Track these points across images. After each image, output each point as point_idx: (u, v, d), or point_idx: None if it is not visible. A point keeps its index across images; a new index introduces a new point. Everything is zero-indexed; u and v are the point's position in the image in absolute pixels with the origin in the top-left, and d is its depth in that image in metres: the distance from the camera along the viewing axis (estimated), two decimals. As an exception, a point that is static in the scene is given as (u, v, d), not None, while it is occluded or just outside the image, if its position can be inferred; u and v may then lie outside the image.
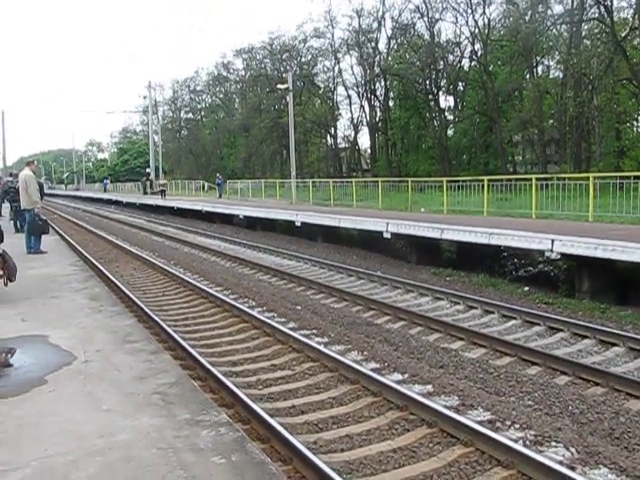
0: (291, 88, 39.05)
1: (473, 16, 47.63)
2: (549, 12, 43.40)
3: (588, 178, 18.82)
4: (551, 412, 7.09)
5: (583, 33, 40.83)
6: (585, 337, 10.21)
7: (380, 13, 57.07)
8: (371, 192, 30.75)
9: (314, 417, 6.97)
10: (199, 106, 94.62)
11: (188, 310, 12.76)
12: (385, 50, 58.95)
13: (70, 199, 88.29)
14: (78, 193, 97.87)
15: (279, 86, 42.24)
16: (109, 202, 66.27)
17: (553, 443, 6.17)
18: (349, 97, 65.31)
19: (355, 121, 65.20)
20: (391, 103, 61.85)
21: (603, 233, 13.93)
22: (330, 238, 24.48)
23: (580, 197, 18.96)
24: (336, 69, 65.30)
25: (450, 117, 55.38)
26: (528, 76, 47.81)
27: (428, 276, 16.88)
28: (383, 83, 59.31)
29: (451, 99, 56.27)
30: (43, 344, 7.59)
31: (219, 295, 13.36)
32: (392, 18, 56.52)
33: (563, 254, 13.60)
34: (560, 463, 5.58)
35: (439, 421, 6.48)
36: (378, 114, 62.07)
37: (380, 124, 61.43)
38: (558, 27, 43.46)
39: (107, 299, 10.70)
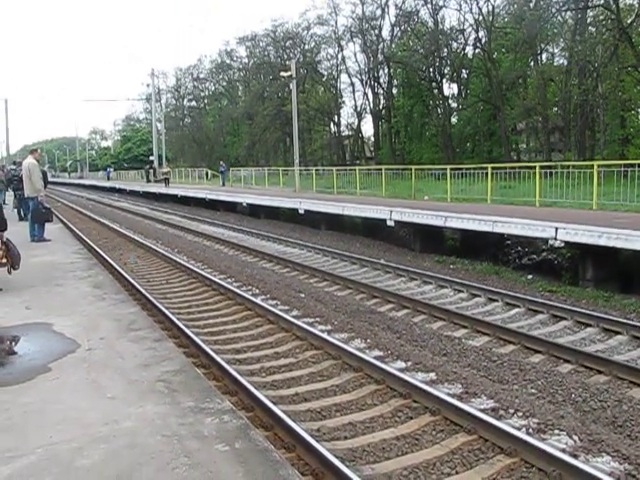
0: (294, 76, 38.94)
1: (477, 3, 47.48)
2: (553, -1, 43.23)
3: (592, 166, 18.76)
4: (554, 400, 7.10)
5: (588, 20, 40.62)
6: (588, 325, 10.20)
7: (384, 0, 56.92)
8: (374, 180, 30.70)
9: (317, 405, 6.99)
10: (202, 94, 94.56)
11: (192, 298, 12.77)
12: (389, 37, 58.86)
13: (74, 187, 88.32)
14: (81, 181, 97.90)
15: (282, 74, 42.15)
16: (112, 190, 66.29)
17: (556, 431, 6.17)
18: (352, 85, 65.32)
19: (358, 109, 65.20)
20: (395, 91, 61.75)
21: (607, 221, 13.90)
22: (333, 226, 24.46)
23: (584, 185, 18.89)
24: (339, 56, 65.33)
25: (454, 105, 55.31)
26: (532, 63, 47.65)
27: (432, 264, 16.87)
28: (387, 70, 59.15)
29: (455, 87, 56.28)
30: (47, 332, 7.62)
31: (223, 283, 13.37)
32: (396, 5, 56.45)
33: (567, 242, 13.58)
34: (563, 451, 5.59)
35: (442, 409, 6.49)
36: (382, 102, 61.96)
37: (383, 112, 61.32)
38: (563, 14, 43.30)
39: (111, 287, 10.74)
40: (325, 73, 69.25)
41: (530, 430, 6.18)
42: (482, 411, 6.38)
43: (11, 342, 7.38)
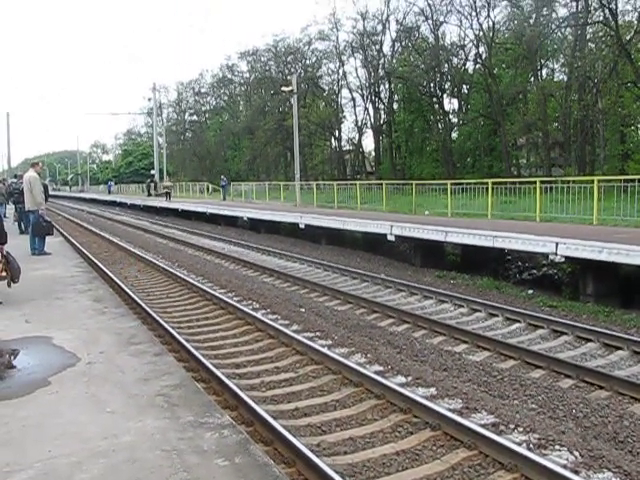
0: (295, 90, 39.13)
1: (477, 19, 47.71)
2: (554, 15, 43.52)
3: (593, 181, 18.79)
4: (555, 415, 7.08)
5: (588, 36, 40.82)
6: (589, 340, 10.18)
7: (385, 16, 57.29)
8: (375, 195, 30.76)
9: (317, 419, 6.97)
10: (203, 108, 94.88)
11: (192, 312, 12.76)
12: (389, 53, 59.11)
13: (74, 201, 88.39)
14: (82, 195, 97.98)
15: (283, 88, 42.35)
16: (113, 204, 66.36)
17: (557, 446, 6.15)
18: (353, 100, 65.49)
19: (359, 124, 65.34)
20: (395, 106, 61.95)
21: (607, 236, 13.91)
22: (334, 240, 24.48)
23: (584, 200, 18.92)
24: (340, 71, 65.56)
25: (454, 120, 55.47)
26: (532, 79, 47.84)
27: (432, 279, 16.87)
28: (387, 86, 59.39)
29: (455, 102, 56.47)
30: (47, 345, 7.61)
31: (223, 297, 13.36)
32: (397, 21, 56.71)
33: (567, 257, 13.58)
34: (564, 467, 5.57)
35: (442, 424, 6.47)
36: (382, 117, 62.14)
37: (384, 127, 61.49)
38: (563, 30, 43.55)
39: (111, 301, 10.73)
40: (326, 88, 69.53)
41: (531, 445, 6.16)
42: (482, 426, 6.36)
43: (10, 356, 7.36)
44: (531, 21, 43.16)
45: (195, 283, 15.21)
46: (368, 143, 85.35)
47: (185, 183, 67.18)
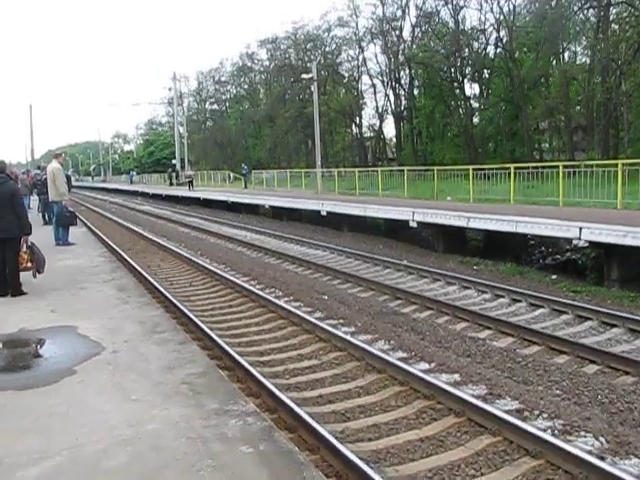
0: (315, 78, 39.02)
1: (498, 2, 47.10)
2: (576, -4, 42.81)
3: (617, 165, 18.55)
4: (580, 401, 7.03)
5: (611, 17, 40.15)
6: (614, 326, 10.09)
7: (404, 1, 56.72)
8: (397, 181, 30.64)
9: (341, 406, 6.98)
10: (224, 97, 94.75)
11: (215, 300, 12.81)
12: (409, 38, 58.54)
13: (97, 191, 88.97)
14: (105, 185, 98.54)
15: (303, 76, 42.23)
16: (135, 194, 66.67)
17: (582, 433, 6.11)
18: (374, 86, 65.07)
19: (380, 110, 64.97)
20: (416, 91, 61.48)
21: (632, 220, 13.74)
22: (356, 227, 24.46)
23: (608, 184, 18.69)
24: (360, 58, 65.08)
25: (475, 105, 54.92)
26: (554, 62, 47.23)
27: (455, 265, 16.80)
28: (408, 71, 58.93)
29: (476, 87, 55.84)
30: (72, 335, 7.69)
31: (246, 285, 13.40)
32: (416, 6, 56.13)
33: (591, 242, 13.47)
34: (589, 453, 5.53)
35: (466, 410, 6.46)
36: (403, 103, 61.72)
37: (405, 113, 61.11)
38: (585, 12, 42.77)
39: (135, 290, 10.81)
40: (346, 75, 69.12)
41: (556, 432, 6.13)
42: (507, 412, 6.34)
43: (37, 345, 7.46)
44: (552, 3, 42.55)
45: (217, 271, 15.26)
46: (389, 129, 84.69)
47: (206, 172, 67.27)
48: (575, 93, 44.21)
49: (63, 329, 7.98)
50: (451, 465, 5.56)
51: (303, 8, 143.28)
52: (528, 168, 23.95)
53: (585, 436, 6.04)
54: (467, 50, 51.23)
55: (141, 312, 8.88)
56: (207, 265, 16.40)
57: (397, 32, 58.58)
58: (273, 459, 4.29)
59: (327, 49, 69.35)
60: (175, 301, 11.59)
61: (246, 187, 48.15)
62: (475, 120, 53.65)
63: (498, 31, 48.39)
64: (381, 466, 5.55)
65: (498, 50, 50.15)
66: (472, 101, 54.66)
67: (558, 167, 20.61)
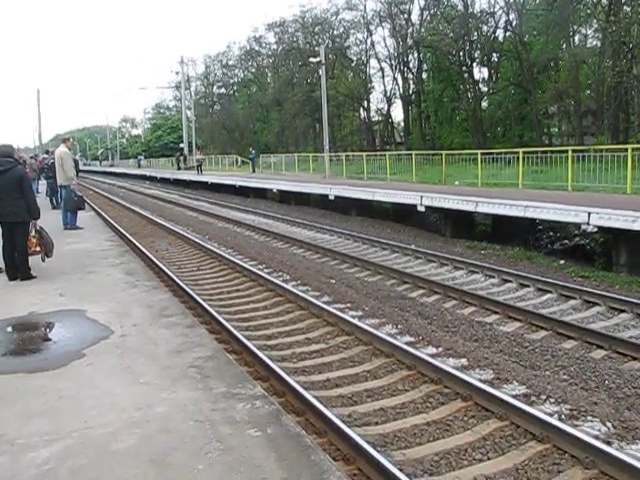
0: (323, 61, 38.85)
1: (508, -15, 46.65)
2: (587, -22, 42.35)
3: (626, 149, 18.45)
4: (587, 386, 7.04)
5: (623, -1, 39.73)
6: (622, 311, 10.08)
7: (413, -16, 56.26)
8: (405, 165, 30.59)
9: (348, 390, 7.01)
10: (231, 81, 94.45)
11: (223, 284, 12.85)
12: (418, 21, 58.14)
13: (105, 175, 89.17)
14: (112, 169, 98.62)
15: (311, 59, 42.08)
16: (143, 178, 66.78)
17: (589, 417, 6.12)
18: (382, 70, 64.74)
19: (388, 94, 64.65)
20: (424, 75, 61.15)
21: (641, 205, 13.69)
22: (364, 211, 24.46)
23: (618, 169, 18.60)
24: (368, 41, 64.70)
25: (484, 89, 54.58)
26: (564, 46, 46.82)
27: (462, 249, 16.79)
28: (416, 55, 58.59)
29: (485, 70, 55.45)
30: (81, 318, 7.72)
31: (253, 269, 13.43)
32: (425, -11, 55.71)
33: (600, 227, 13.43)
34: (596, 438, 5.54)
35: (474, 395, 6.48)
36: (411, 86, 61.41)
37: (413, 96, 60.83)
38: (596, -6, 42.39)
39: (143, 274, 10.84)
40: (354, 58, 68.76)
41: (562, 416, 6.14)
42: (514, 397, 6.36)
43: (46, 328, 7.50)
44: (563, -15, 42.15)
45: (225, 255, 15.30)
46: (397, 113, 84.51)
47: (214, 156, 67.24)
48: (585, 77, 43.86)
49: (72, 313, 8.02)
50: (458, 449, 5.59)
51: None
52: (537, 153, 23.84)
53: (592, 421, 6.06)
54: (476, 33, 50.83)
55: (149, 296, 8.91)
56: (215, 249, 16.43)
57: (405, 15, 58.21)
58: (281, 442, 4.31)
59: (335, 32, 68.96)
60: (183, 285, 11.64)
61: (254, 171, 48.11)
62: (484, 104, 53.37)
63: (507, 14, 47.98)
64: (388, 450, 5.58)
65: (507, 33, 49.75)
66: (481, 85, 54.34)
67: (567, 152, 20.52)
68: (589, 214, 13.53)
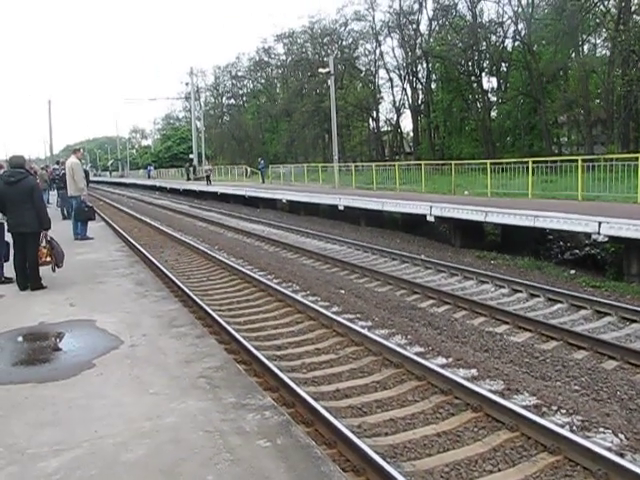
0: (332, 72, 38.93)
1: (516, -5, 46.65)
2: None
3: (637, 158, 18.37)
4: (599, 397, 6.99)
5: (632, 8, 39.62)
6: (634, 321, 10.03)
7: (421, -6, 56.38)
8: (414, 175, 30.56)
9: (358, 401, 6.99)
10: (241, 91, 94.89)
11: (232, 295, 12.85)
12: (427, 32, 58.33)
13: (115, 186, 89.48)
14: (122, 180, 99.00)
15: (320, 70, 42.16)
16: (153, 188, 66.99)
17: (601, 429, 6.08)
18: (391, 80, 64.88)
19: (397, 104, 64.74)
20: (433, 85, 61.26)
21: (653, 215, 13.63)
22: (373, 222, 24.45)
23: (628, 178, 18.53)
24: (377, 52, 64.89)
25: (493, 99, 54.63)
26: (573, 55, 46.73)
27: (472, 259, 16.75)
28: (425, 65, 58.71)
29: (494, 80, 55.46)
30: (91, 328, 7.74)
31: (263, 279, 13.43)
32: (433, -1, 55.83)
33: (611, 236, 13.38)
34: (609, 449, 5.50)
35: (484, 405, 6.45)
36: (420, 97, 61.51)
37: (422, 107, 60.90)
38: (605, 3, 42.33)
39: (152, 284, 10.86)
40: (363, 69, 68.94)
41: (574, 428, 6.10)
42: (524, 408, 6.32)
43: (56, 338, 7.52)
44: (572, -5, 42.13)
45: (235, 266, 15.30)
46: (406, 123, 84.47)
47: (224, 166, 67.42)
48: (594, 86, 43.78)
49: (82, 323, 8.04)
50: (468, 460, 5.56)
51: (320, 2, 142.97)
52: (547, 162, 23.82)
53: (604, 432, 6.01)
54: (485, 43, 50.89)
55: (159, 306, 8.92)
56: (224, 259, 16.44)
57: (414, 26, 58.37)
58: (290, 453, 4.30)
59: (344, 43, 69.20)
60: (192, 295, 11.65)
61: (263, 182, 48.20)
62: (493, 114, 53.36)
63: (516, 24, 47.99)
64: (398, 461, 5.56)
65: (516, 43, 49.78)
66: (490, 95, 54.37)
67: (577, 161, 20.46)
68: (599, 224, 13.49)
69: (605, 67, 41.58)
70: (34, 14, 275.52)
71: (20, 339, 7.53)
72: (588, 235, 14.19)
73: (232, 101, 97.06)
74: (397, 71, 63.18)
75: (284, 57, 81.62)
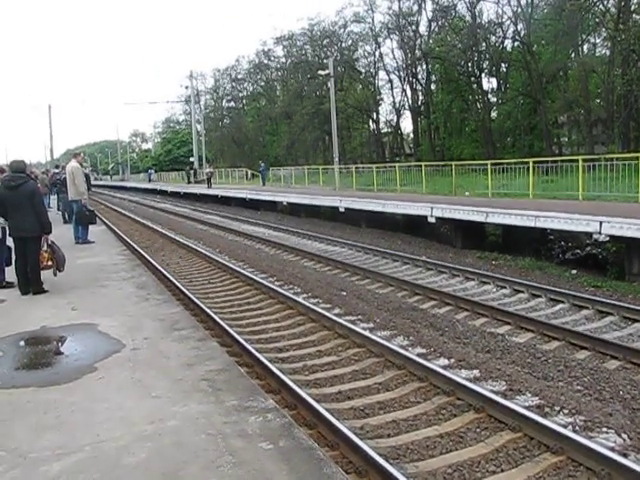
0: (332, 74, 38.95)
1: (515, -5, 46.63)
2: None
3: (638, 158, 18.38)
4: (601, 397, 6.98)
5: (632, 7, 39.59)
6: (636, 321, 10.01)
7: (420, -5, 56.37)
8: (415, 176, 30.56)
9: (360, 403, 6.98)
10: (241, 94, 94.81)
11: (234, 297, 12.85)
12: (426, 33, 58.25)
13: (115, 190, 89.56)
14: (123, 183, 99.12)
15: (320, 72, 42.21)
16: (154, 192, 67.00)
17: (604, 429, 6.07)
18: (390, 81, 64.76)
19: (397, 105, 64.66)
20: (433, 86, 61.21)
21: (654, 214, 13.62)
22: (374, 223, 24.44)
23: (629, 178, 18.53)
24: (377, 53, 64.80)
25: (493, 99, 54.58)
26: (573, 55, 46.70)
27: (474, 260, 16.74)
28: (425, 66, 58.62)
29: (494, 81, 55.40)
30: (92, 332, 7.74)
31: (264, 282, 13.43)
32: (432, 0, 55.85)
33: (612, 236, 13.37)
34: (612, 449, 5.49)
35: (486, 406, 6.44)
36: (420, 98, 61.45)
37: (422, 108, 60.84)
38: (605, 2, 42.31)
39: (154, 287, 10.86)
40: (363, 70, 68.87)
41: (577, 428, 6.09)
42: (527, 408, 6.31)
43: (58, 342, 7.52)
44: (571, -5, 42.10)
45: (236, 268, 15.30)
46: (406, 125, 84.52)
47: (224, 169, 67.45)
48: (595, 86, 43.74)
49: (84, 327, 8.04)
50: (471, 461, 5.55)
51: (319, 4, 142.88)
52: (547, 162, 23.86)
53: (607, 432, 6.00)
54: (484, 44, 50.85)
55: (160, 309, 8.93)
56: (226, 262, 16.45)
57: (413, 27, 58.29)
58: (293, 455, 4.30)
59: (343, 45, 69.15)
60: (194, 298, 11.65)
61: (264, 184, 48.20)
62: (493, 114, 53.29)
63: (516, 24, 47.94)
64: (401, 462, 5.55)
65: (516, 43, 49.71)
66: (490, 95, 54.32)
67: (578, 161, 20.47)
68: (601, 223, 13.48)
69: (605, 67, 41.55)
70: (34, 18, 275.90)
71: (22, 343, 7.53)
72: (589, 235, 14.18)
73: (232, 104, 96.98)
74: (397, 72, 63.15)
75: (284, 59, 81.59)
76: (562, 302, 11.39)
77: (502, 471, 5.39)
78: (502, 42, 51.39)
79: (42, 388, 5.86)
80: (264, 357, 8.06)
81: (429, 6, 56.61)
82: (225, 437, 4.60)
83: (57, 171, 27.46)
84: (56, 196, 27.05)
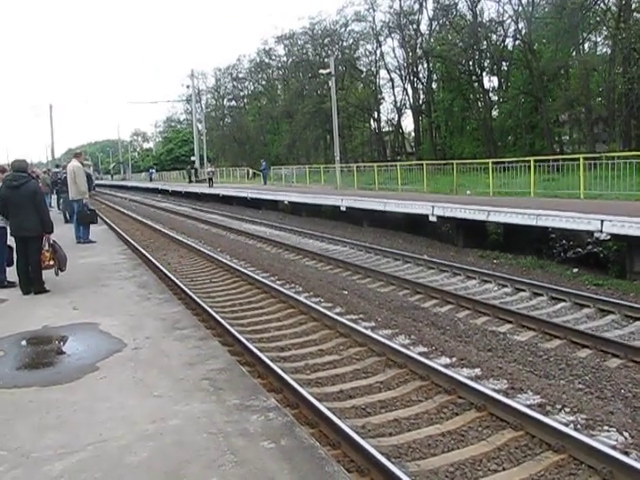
0: (333, 73, 38.95)
1: (517, -7, 46.61)
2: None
3: (638, 156, 18.37)
4: (603, 396, 6.98)
5: (633, 5, 39.53)
6: (637, 319, 10.00)
7: (421, -6, 56.35)
8: (416, 175, 30.58)
9: (362, 401, 6.98)
10: (242, 93, 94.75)
11: (235, 296, 12.85)
12: (427, 32, 58.27)
13: (117, 189, 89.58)
14: (124, 183, 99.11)
15: (321, 71, 42.18)
16: (155, 191, 67.01)
17: (605, 427, 6.07)
18: (392, 80, 64.79)
19: (398, 104, 64.67)
20: (434, 85, 61.17)
21: (655, 212, 13.61)
22: (375, 222, 24.43)
23: (630, 176, 18.53)
24: (378, 52, 64.84)
25: (494, 98, 54.58)
26: (574, 54, 46.66)
27: (475, 259, 16.74)
28: (426, 65, 58.62)
29: (495, 79, 55.39)
30: (94, 332, 7.75)
31: (266, 281, 13.43)
32: (434, -1, 55.81)
33: (613, 234, 13.35)
34: (613, 448, 5.49)
35: (488, 405, 6.44)
36: (421, 97, 61.47)
37: (423, 107, 60.84)
38: (606, 1, 42.28)
39: (155, 287, 10.87)
40: (364, 69, 68.89)
41: (578, 426, 6.09)
42: (529, 407, 6.31)
43: (60, 342, 7.52)
44: (572, -7, 42.05)
45: (238, 268, 15.30)
46: (408, 124, 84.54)
47: (226, 168, 67.46)
48: (596, 84, 43.71)
49: (85, 326, 8.05)
50: (473, 460, 5.55)
51: (320, 3, 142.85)
52: (548, 161, 23.82)
53: (608, 431, 6.01)
54: (485, 43, 50.82)
55: (162, 309, 8.93)
56: (227, 261, 16.45)
57: (414, 26, 58.32)
58: (294, 454, 4.30)
59: (344, 44, 69.18)
60: (195, 297, 11.65)
61: (265, 183, 48.20)
62: (494, 113, 53.30)
63: (517, 23, 47.93)
64: (402, 461, 5.55)
65: (517, 42, 49.69)
66: (491, 94, 54.32)
67: (579, 159, 20.46)
68: (602, 222, 13.47)
69: (606, 65, 41.52)
70: (35, 18, 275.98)
71: (24, 343, 7.54)
72: (590, 233, 14.15)
73: (233, 103, 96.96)
74: (398, 71, 63.16)
75: (285, 58, 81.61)
76: (563, 301, 11.38)
77: (504, 470, 5.39)
78: (503, 41, 51.43)
79: (44, 388, 5.86)
80: (265, 356, 8.06)
81: (430, 5, 56.70)
82: (227, 436, 4.60)
83: (57, 170, 27.48)
84: (56, 195, 27.08)
